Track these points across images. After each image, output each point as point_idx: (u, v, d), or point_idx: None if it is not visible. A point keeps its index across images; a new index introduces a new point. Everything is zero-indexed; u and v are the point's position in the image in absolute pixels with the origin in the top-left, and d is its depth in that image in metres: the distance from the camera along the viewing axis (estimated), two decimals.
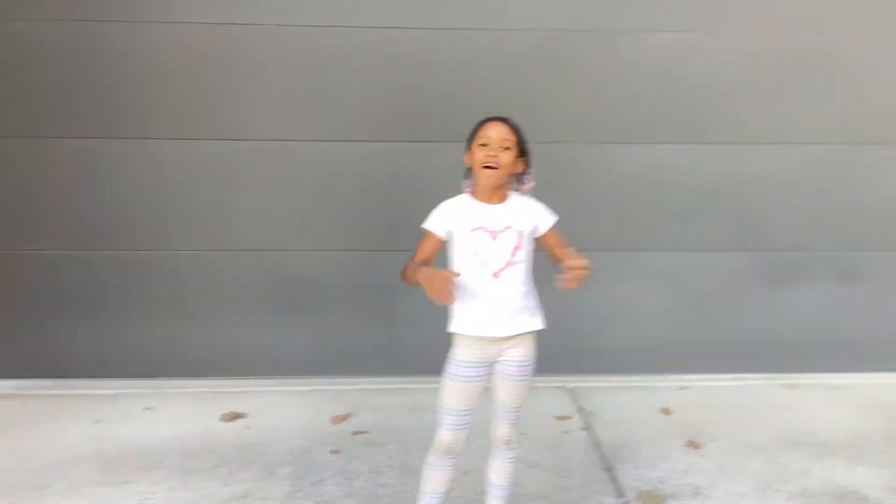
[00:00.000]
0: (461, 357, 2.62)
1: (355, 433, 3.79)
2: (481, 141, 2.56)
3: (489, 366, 2.64)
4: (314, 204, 4.35)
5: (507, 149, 2.56)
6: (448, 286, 2.36)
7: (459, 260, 2.60)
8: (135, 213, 4.28)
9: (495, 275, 2.56)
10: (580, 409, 4.13)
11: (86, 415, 3.99)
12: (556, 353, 4.50)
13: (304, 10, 4.18)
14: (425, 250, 2.64)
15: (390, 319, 4.36)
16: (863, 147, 4.45)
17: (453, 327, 2.63)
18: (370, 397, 4.25)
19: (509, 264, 2.57)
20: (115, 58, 4.15)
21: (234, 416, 3.97)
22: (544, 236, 2.67)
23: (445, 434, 2.65)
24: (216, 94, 4.23)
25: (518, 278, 2.59)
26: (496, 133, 2.56)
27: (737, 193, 4.47)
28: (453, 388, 2.62)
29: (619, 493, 3.24)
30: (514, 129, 2.60)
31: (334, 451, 3.59)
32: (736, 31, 4.34)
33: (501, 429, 2.73)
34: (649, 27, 4.30)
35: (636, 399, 4.29)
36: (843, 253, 4.55)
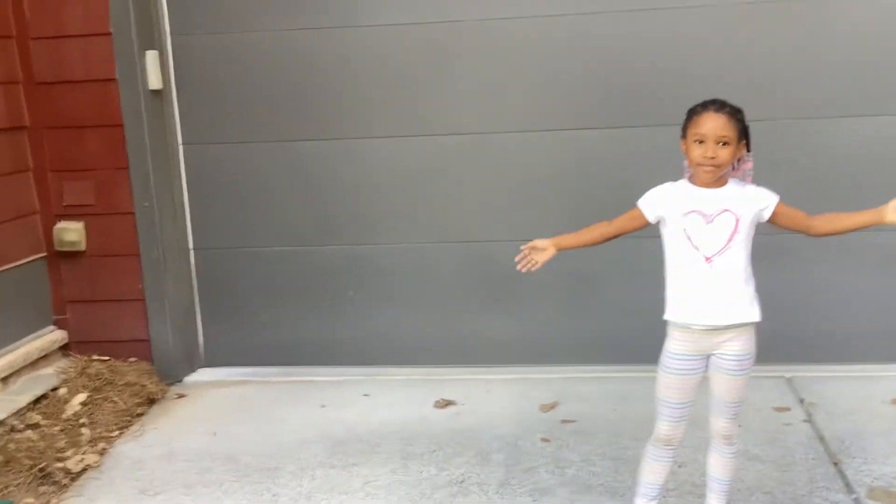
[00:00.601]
0: (674, 349, 2.57)
1: (563, 422, 3.82)
2: (696, 137, 2.44)
3: (705, 358, 2.57)
4: (519, 194, 4.39)
5: (726, 143, 2.42)
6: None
7: (672, 244, 2.55)
8: (348, 210, 4.51)
9: (708, 259, 2.48)
10: (801, 401, 3.92)
11: (312, 400, 4.27)
12: (772, 341, 4.25)
13: (498, 2, 4.22)
14: (626, 221, 2.63)
15: (595, 307, 4.33)
16: None
17: (666, 315, 2.58)
18: (576, 386, 4.24)
19: (725, 249, 2.48)
20: (326, 63, 4.38)
21: (447, 403, 4.11)
22: (776, 216, 2.55)
23: (664, 426, 2.62)
24: (418, 93, 4.36)
25: (735, 265, 2.49)
26: (712, 128, 2.41)
27: None
28: (668, 382, 2.58)
29: (849, 488, 3.07)
30: (732, 117, 2.44)
31: (544, 439, 3.63)
32: None
33: (720, 423, 2.65)
34: None
35: (863, 390, 4.00)
36: None
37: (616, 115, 4.23)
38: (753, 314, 2.56)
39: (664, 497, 2.88)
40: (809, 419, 3.71)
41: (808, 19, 4.06)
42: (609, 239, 2.70)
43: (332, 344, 4.64)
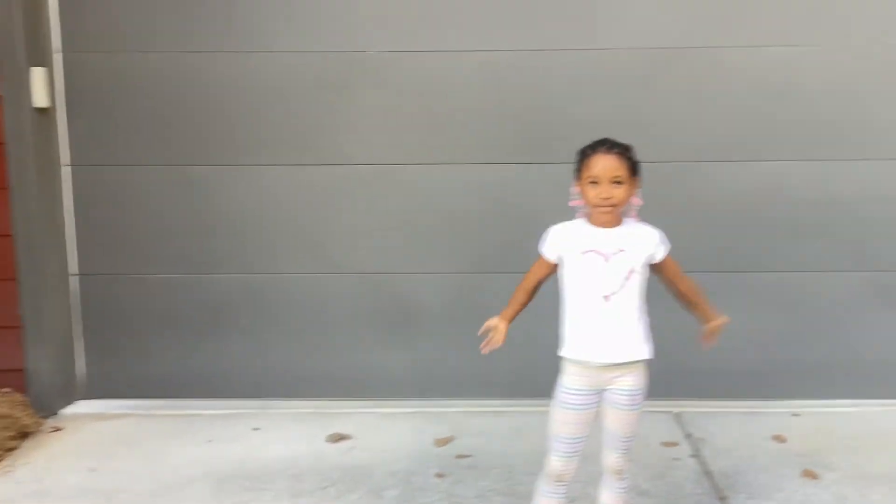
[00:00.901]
0: (569, 384, 2.59)
1: (459, 456, 3.79)
2: (590, 179, 2.48)
3: (599, 393, 2.60)
4: (419, 227, 4.39)
5: (620, 183, 2.47)
6: (490, 328, 2.66)
7: (570, 283, 2.57)
8: (245, 238, 4.41)
9: (606, 298, 2.51)
10: (688, 436, 4.01)
11: (198, 434, 4.10)
12: (661, 377, 4.38)
13: (407, 36, 4.23)
14: (534, 273, 2.66)
15: None
16: None
17: (563, 351, 2.60)
18: (472, 420, 4.23)
19: (621, 288, 2.51)
20: (223, 88, 4.29)
21: (340, 438, 4.02)
22: (661, 265, 2.62)
23: (557, 462, 2.63)
24: (323, 121, 4.32)
25: (630, 304, 2.54)
26: (603, 169, 2.45)
27: (851, 212, 4.28)
28: (563, 417, 2.60)
29: None
30: (622, 156, 2.49)
31: (439, 475, 3.59)
32: (848, 44, 4.17)
33: (612, 458, 2.68)
34: (758, 42, 4.17)
35: (747, 425, 4.14)
36: None
37: (518, 151, 4.30)
38: (646, 351, 2.61)
39: None
40: (697, 454, 3.80)
41: (700, 67, 4.23)
42: (535, 290, 2.71)
43: (222, 376, 4.49)
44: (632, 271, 2.52)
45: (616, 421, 2.62)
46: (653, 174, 4.22)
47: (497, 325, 2.69)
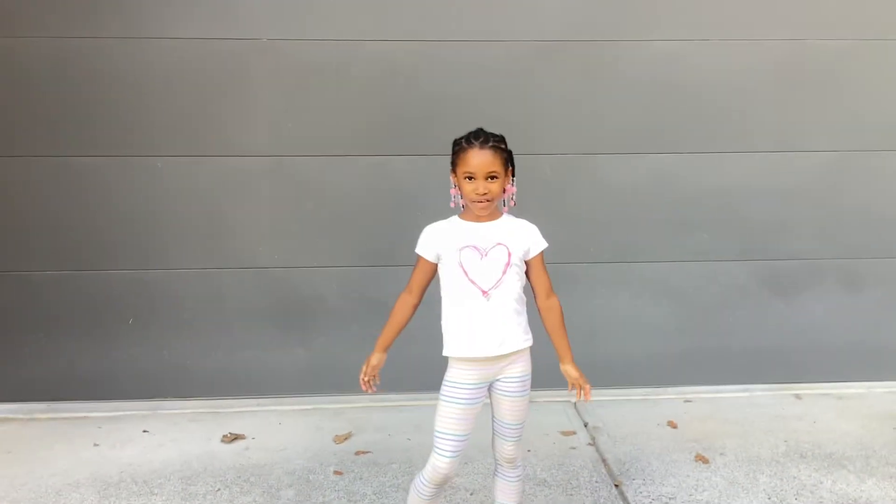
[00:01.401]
0: (457, 379, 2.55)
1: (358, 453, 3.73)
2: (466, 174, 2.46)
3: (486, 386, 2.58)
4: (312, 220, 4.30)
5: (495, 178, 2.46)
6: (363, 371, 2.66)
7: (449, 280, 2.55)
8: (132, 232, 4.23)
9: (485, 293, 2.50)
10: (585, 424, 4.07)
11: (84, 438, 3.92)
12: (557, 367, 4.46)
13: (298, 23, 4.14)
14: (417, 275, 2.61)
15: None
16: (865, 154, 4.43)
17: (446, 351, 2.57)
18: (371, 415, 4.19)
19: (500, 282, 2.51)
20: (108, 75, 4.11)
21: (234, 438, 3.91)
22: (531, 263, 2.59)
23: (443, 462, 2.53)
24: (212, 111, 4.18)
25: (509, 296, 2.53)
26: (478, 165, 2.43)
27: (737, 203, 4.43)
28: (451, 412, 2.53)
29: None
30: (497, 149, 2.47)
31: (337, 472, 3.53)
32: (736, 39, 4.31)
33: (506, 447, 2.67)
34: (647, 36, 4.26)
35: (641, 413, 4.24)
36: (848, 261, 4.52)
37: (410, 143, 4.25)
38: (528, 340, 2.62)
39: None
40: (593, 442, 3.86)
41: (590, 60, 4.28)
42: (417, 305, 2.64)
43: (110, 376, 4.31)
44: (508, 264, 2.51)
45: (509, 409, 2.61)
46: (544, 167, 4.28)
47: (378, 360, 2.68)
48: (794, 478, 3.46)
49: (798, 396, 4.47)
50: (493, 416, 2.65)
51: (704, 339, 4.54)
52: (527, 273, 2.60)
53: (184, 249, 4.27)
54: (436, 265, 2.57)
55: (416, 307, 2.64)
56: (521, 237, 2.56)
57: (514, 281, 2.53)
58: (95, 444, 3.85)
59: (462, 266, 2.49)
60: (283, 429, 4.03)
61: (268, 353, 4.36)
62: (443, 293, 2.58)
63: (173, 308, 4.31)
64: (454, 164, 2.52)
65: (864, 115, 4.40)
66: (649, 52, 4.28)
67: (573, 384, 2.67)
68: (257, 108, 4.20)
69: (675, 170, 4.37)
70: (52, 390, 4.28)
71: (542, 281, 2.61)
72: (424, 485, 2.58)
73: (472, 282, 2.48)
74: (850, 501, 3.24)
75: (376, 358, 2.67)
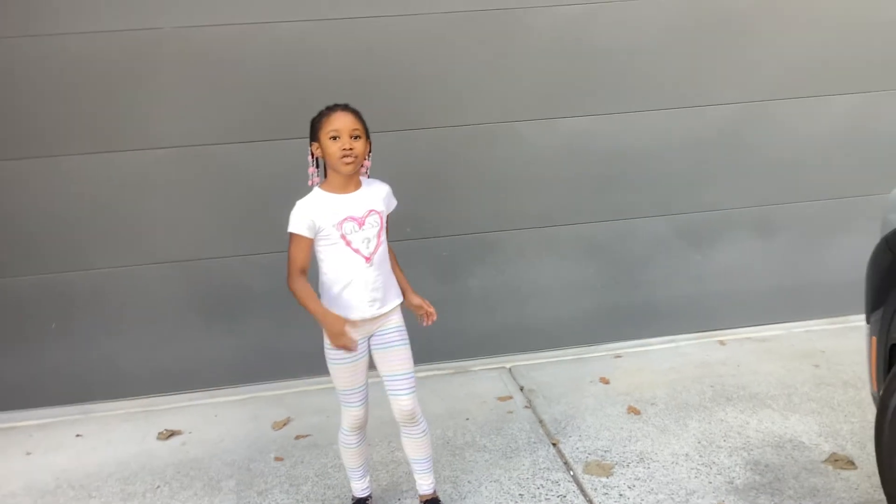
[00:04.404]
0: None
1: (297, 437, 3.74)
2: (331, 134, 2.57)
3: (366, 340, 2.74)
4: (229, 208, 4.22)
5: (358, 137, 2.60)
6: (347, 336, 2.57)
7: (329, 253, 2.64)
8: (48, 234, 4.09)
9: (367, 259, 2.64)
10: (521, 388, 4.15)
11: (15, 448, 3.83)
12: (491, 334, 4.54)
13: (200, 10, 4.03)
14: (301, 255, 2.62)
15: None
16: (766, 104, 4.55)
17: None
18: (308, 399, 4.18)
19: (377, 246, 2.66)
20: (8, 74, 3.95)
21: (171, 434, 3.86)
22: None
23: (356, 409, 2.79)
24: (118, 104, 4.04)
25: (384, 258, 2.71)
26: (344, 124, 2.58)
27: (651, 160, 4.51)
28: (344, 373, 2.73)
29: (567, 466, 3.28)
30: (357, 115, 2.63)
31: (278, 458, 3.53)
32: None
33: (401, 401, 2.77)
34: (549, 2, 4.27)
35: (574, 372, 4.33)
36: (759, 209, 4.67)
37: None
38: (400, 296, 2.80)
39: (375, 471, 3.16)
40: (530, 405, 3.93)
41: (498, 28, 4.27)
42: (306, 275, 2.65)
43: (36, 383, 4.19)
44: (381, 228, 2.68)
45: (394, 360, 2.74)
46: (456, 136, 4.29)
47: (345, 330, 2.61)
48: (722, 420, 3.60)
49: (722, 342, 4.63)
50: (382, 377, 2.79)
51: (630, 296, 4.65)
52: None
53: (102, 248, 4.15)
54: (312, 241, 2.62)
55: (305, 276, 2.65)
56: (385, 197, 2.76)
57: (385, 242, 2.71)
58: (28, 453, 3.76)
59: (346, 237, 2.60)
60: (219, 420, 4.00)
61: (197, 346, 4.30)
62: (322, 265, 2.67)
63: (96, 308, 4.20)
64: (316, 131, 2.63)
65: (764, 65, 4.51)
66: (555, 18, 4.30)
67: (419, 313, 2.86)
68: (163, 98, 4.08)
69: (590, 132, 4.42)
70: None
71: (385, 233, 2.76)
72: (347, 434, 2.85)
73: (356, 251, 2.61)
74: (776, 438, 3.39)
75: (339, 319, 2.60)
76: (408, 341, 2.78)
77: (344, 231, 2.60)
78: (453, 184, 4.31)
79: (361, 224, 2.63)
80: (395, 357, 2.74)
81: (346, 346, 2.59)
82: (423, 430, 2.83)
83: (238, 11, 4.06)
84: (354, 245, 2.61)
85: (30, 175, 4.04)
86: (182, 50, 4.05)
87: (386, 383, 2.77)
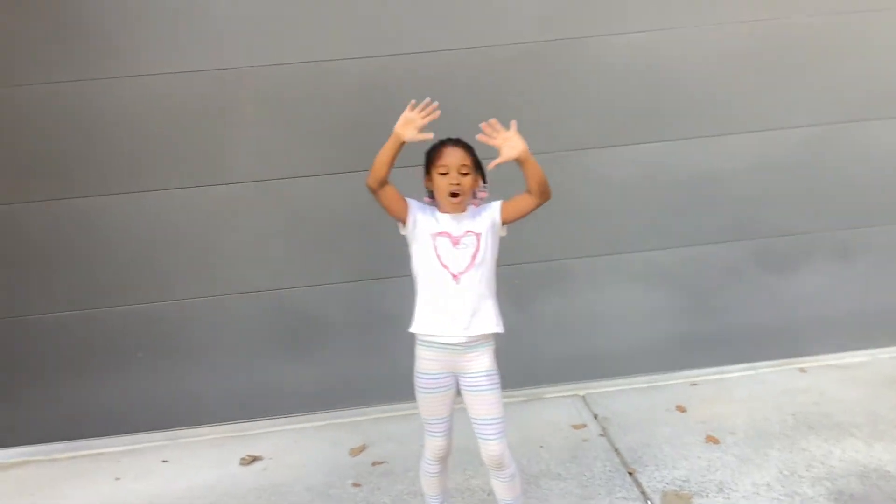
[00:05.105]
0: (424, 369, 2.73)
1: (374, 464, 3.79)
2: (441, 169, 2.68)
3: (453, 376, 2.74)
4: (306, 239, 4.35)
5: (467, 174, 2.67)
6: (408, 114, 2.63)
7: (422, 265, 2.72)
8: (135, 266, 4.28)
9: (455, 278, 2.65)
10: (595, 416, 4.13)
11: (104, 474, 3.98)
12: (564, 362, 4.53)
13: (274, 49, 4.19)
14: (392, 196, 2.70)
15: (392, 345, 4.29)
16: (845, 126, 4.48)
17: (413, 327, 2.72)
18: (384, 426, 4.25)
19: (470, 268, 2.67)
20: (95, 116, 4.16)
21: (253, 459, 3.97)
22: (505, 213, 2.75)
23: (437, 440, 2.79)
24: (195, 142, 4.22)
25: (479, 282, 2.69)
26: (454, 160, 2.67)
27: (726, 185, 4.47)
28: (428, 401, 2.74)
29: (645, 496, 3.25)
30: (468, 150, 2.70)
31: (355, 485, 3.59)
32: (708, 24, 4.36)
33: (489, 447, 2.74)
34: (618, 30, 4.31)
35: (649, 399, 4.29)
36: (838, 232, 4.57)
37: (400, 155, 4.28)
38: (497, 326, 2.73)
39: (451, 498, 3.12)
40: (605, 433, 3.91)
41: (568, 58, 4.33)
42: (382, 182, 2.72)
43: (125, 410, 4.36)
44: (477, 251, 2.69)
45: (483, 404, 2.71)
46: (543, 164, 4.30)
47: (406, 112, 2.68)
48: (804, 449, 3.52)
49: (803, 370, 4.53)
50: (471, 419, 2.77)
51: (705, 322, 4.59)
52: (517, 208, 2.73)
53: (186, 279, 4.32)
54: (405, 217, 2.70)
55: (386, 172, 2.71)
56: (485, 217, 2.75)
57: (484, 268, 2.69)
58: (116, 479, 3.91)
59: (437, 251, 2.67)
60: (299, 447, 4.09)
61: (277, 374, 4.42)
62: (417, 278, 2.76)
63: (181, 338, 4.37)
64: (429, 166, 2.74)
65: (840, 87, 4.45)
66: (623, 46, 4.32)
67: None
68: (239, 135, 4.24)
69: (661, 158, 4.42)
70: (69, 430, 4.33)
71: (518, 198, 2.73)
72: (430, 463, 2.85)
73: (445, 266, 2.66)
74: (861, 467, 3.30)
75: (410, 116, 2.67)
76: (498, 386, 2.73)
77: (436, 244, 2.68)
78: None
79: (456, 243, 2.68)
80: (484, 402, 2.71)
81: (413, 118, 2.63)
82: (511, 475, 2.80)
83: (312, 49, 4.20)
84: (444, 260, 2.66)
85: (118, 210, 4.23)
86: (260, 87, 4.21)
87: (475, 427, 2.75)
